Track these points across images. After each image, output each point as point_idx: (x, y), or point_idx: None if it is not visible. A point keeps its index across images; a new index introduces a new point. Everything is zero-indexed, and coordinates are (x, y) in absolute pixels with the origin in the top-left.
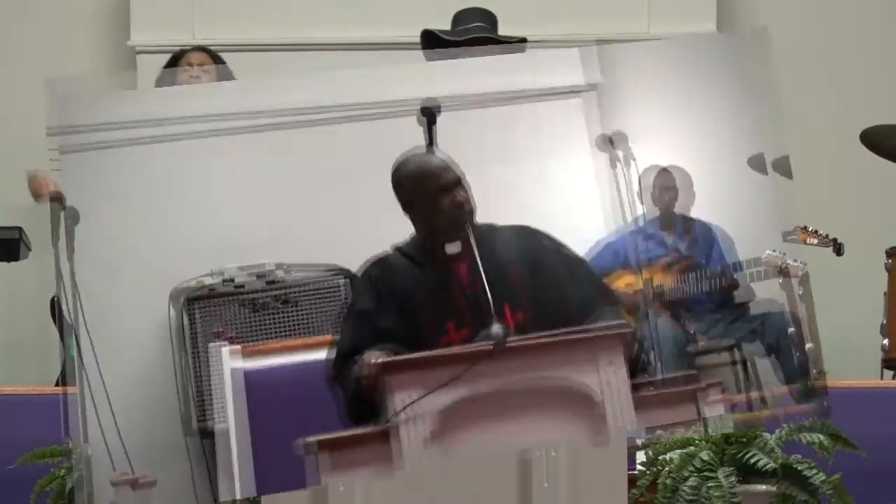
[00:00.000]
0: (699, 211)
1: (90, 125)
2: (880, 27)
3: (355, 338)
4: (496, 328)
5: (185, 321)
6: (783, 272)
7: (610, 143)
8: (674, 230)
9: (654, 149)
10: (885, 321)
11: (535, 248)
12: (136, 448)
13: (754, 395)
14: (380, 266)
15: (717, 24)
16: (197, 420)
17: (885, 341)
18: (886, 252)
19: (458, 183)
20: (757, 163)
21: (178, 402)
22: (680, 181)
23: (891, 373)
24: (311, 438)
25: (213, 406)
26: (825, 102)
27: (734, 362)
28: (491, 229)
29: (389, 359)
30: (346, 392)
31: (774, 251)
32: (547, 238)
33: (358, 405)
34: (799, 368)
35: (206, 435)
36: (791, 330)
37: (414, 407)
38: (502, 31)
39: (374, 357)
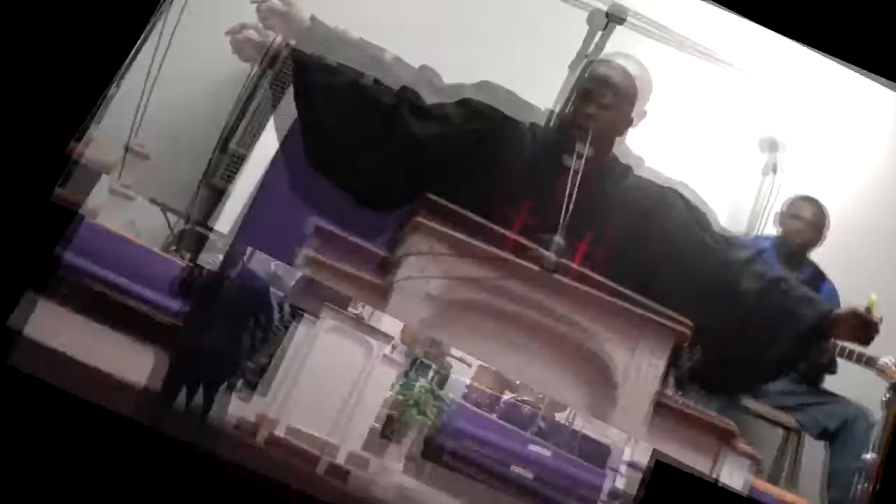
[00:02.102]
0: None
1: None
2: None
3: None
4: (557, 239)
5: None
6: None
7: (771, 146)
8: (798, 272)
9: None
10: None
11: (657, 205)
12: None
13: (786, 471)
14: (504, 116)
15: None
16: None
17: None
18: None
19: (603, 96)
20: None
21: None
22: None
23: None
24: (314, 220)
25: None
26: None
27: (785, 437)
28: (625, 170)
29: (435, 198)
30: None
31: None
32: (688, 208)
33: None
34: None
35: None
36: (871, 456)
37: (425, 268)
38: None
39: None
